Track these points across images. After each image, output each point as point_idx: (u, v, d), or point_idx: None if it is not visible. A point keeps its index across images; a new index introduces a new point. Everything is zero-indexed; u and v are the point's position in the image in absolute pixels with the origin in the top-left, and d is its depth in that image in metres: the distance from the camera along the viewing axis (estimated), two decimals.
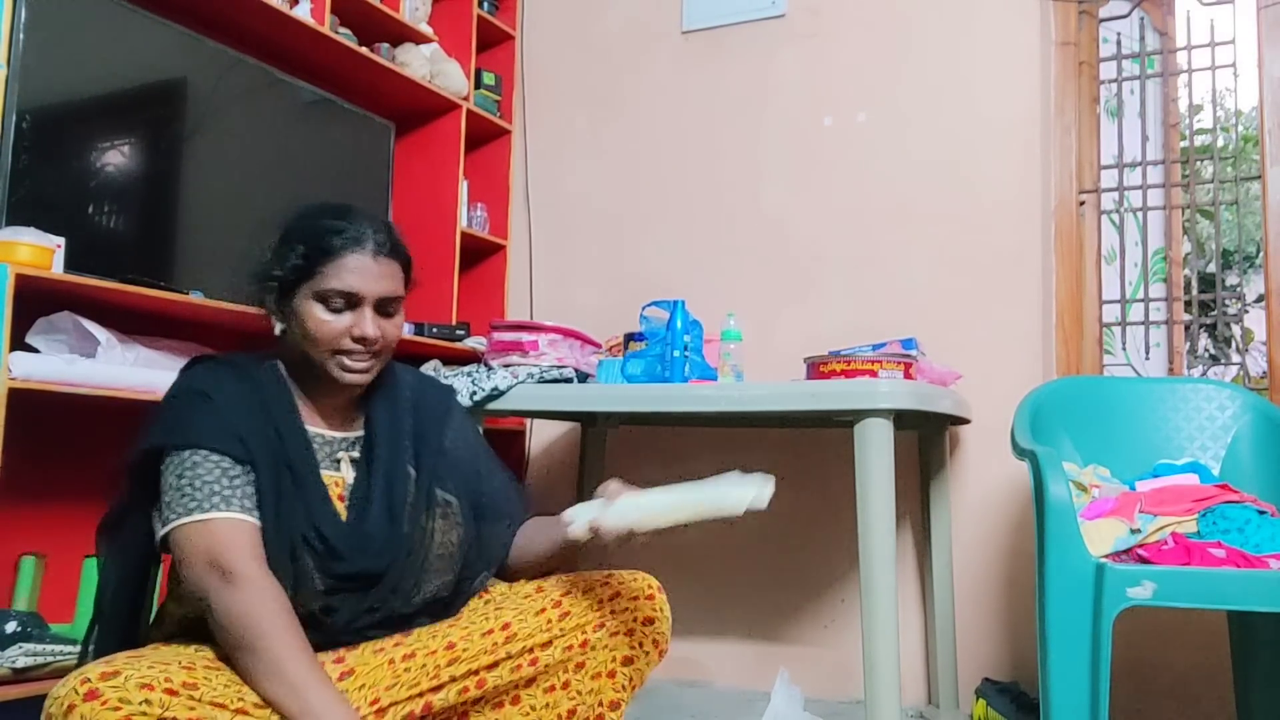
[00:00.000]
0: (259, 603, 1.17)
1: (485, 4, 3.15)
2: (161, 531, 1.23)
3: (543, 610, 1.39)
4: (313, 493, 1.31)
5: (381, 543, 1.33)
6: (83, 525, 2.19)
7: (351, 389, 1.37)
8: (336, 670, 1.26)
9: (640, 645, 1.41)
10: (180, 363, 2.17)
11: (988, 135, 2.63)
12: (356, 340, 1.33)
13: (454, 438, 1.48)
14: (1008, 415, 2.13)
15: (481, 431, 1.69)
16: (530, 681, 1.35)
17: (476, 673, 1.31)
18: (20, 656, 1.75)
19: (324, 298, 1.32)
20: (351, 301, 1.33)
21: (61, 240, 1.92)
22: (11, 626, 1.81)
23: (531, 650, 1.35)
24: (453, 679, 1.30)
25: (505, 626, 1.36)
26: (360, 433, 1.42)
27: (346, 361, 1.34)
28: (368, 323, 1.33)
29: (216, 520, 1.21)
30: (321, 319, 1.32)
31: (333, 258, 1.32)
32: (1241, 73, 2.49)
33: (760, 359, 2.58)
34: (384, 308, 1.36)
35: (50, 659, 1.77)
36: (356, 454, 1.40)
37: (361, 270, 1.33)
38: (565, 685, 1.37)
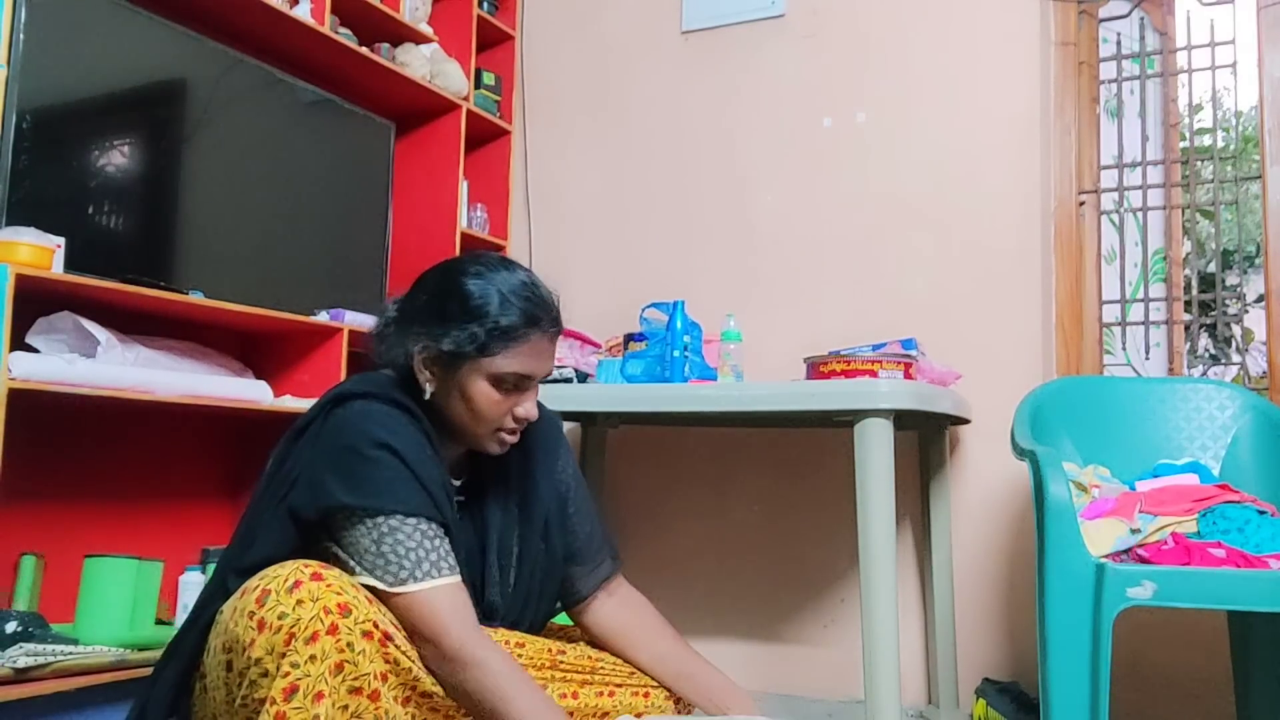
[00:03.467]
0: (491, 685, 1.16)
1: (485, 4, 3.15)
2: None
3: (616, 660, 1.45)
4: (458, 546, 1.31)
5: (500, 607, 1.37)
6: (83, 525, 2.20)
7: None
8: None
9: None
10: (180, 363, 2.21)
11: (987, 135, 2.63)
12: (518, 419, 1.32)
13: (560, 477, 1.47)
14: (1008, 415, 2.13)
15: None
16: (604, 715, 1.39)
17: (571, 681, 1.36)
18: (21, 656, 1.74)
19: (499, 379, 1.29)
20: (523, 384, 1.31)
21: (61, 240, 1.92)
22: (12, 626, 1.80)
23: (609, 684, 1.40)
24: (555, 679, 1.35)
25: (591, 658, 1.41)
26: (465, 477, 1.41)
27: (505, 437, 1.33)
28: (532, 403, 1.32)
29: (422, 593, 1.19)
30: (493, 398, 1.29)
31: (517, 343, 1.28)
32: (1241, 73, 2.49)
33: (760, 359, 2.58)
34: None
35: (51, 659, 1.76)
36: (463, 498, 1.39)
37: (540, 354, 1.31)
38: None
